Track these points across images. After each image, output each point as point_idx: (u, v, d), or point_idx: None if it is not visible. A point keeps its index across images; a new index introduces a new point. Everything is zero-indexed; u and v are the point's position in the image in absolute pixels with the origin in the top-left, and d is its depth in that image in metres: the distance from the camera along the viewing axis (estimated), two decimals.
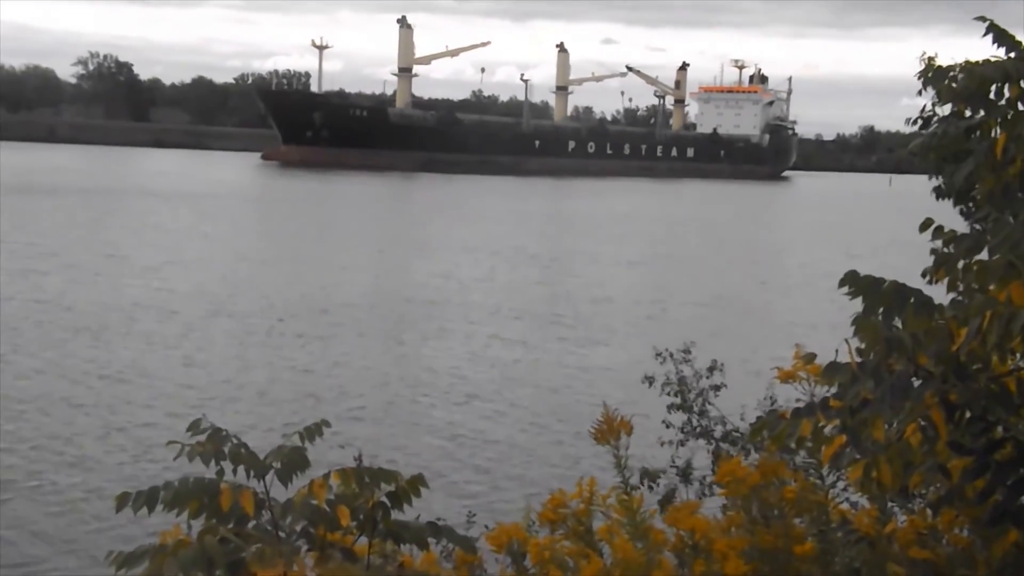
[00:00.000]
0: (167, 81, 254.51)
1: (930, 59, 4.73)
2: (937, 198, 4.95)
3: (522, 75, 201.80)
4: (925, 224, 4.62)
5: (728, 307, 44.93)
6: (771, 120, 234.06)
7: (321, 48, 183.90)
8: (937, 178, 4.86)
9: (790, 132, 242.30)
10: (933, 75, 4.61)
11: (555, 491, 4.61)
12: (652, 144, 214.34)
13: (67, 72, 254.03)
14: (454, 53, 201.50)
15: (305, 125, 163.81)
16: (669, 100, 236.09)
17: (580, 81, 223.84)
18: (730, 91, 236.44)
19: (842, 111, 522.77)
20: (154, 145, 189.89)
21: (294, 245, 60.03)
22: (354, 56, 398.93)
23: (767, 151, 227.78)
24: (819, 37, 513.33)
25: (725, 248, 71.50)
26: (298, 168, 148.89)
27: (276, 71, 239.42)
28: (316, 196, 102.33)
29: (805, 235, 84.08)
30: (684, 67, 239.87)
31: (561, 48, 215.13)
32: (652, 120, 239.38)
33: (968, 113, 4.73)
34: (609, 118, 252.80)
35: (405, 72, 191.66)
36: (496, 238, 69.44)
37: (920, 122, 4.77)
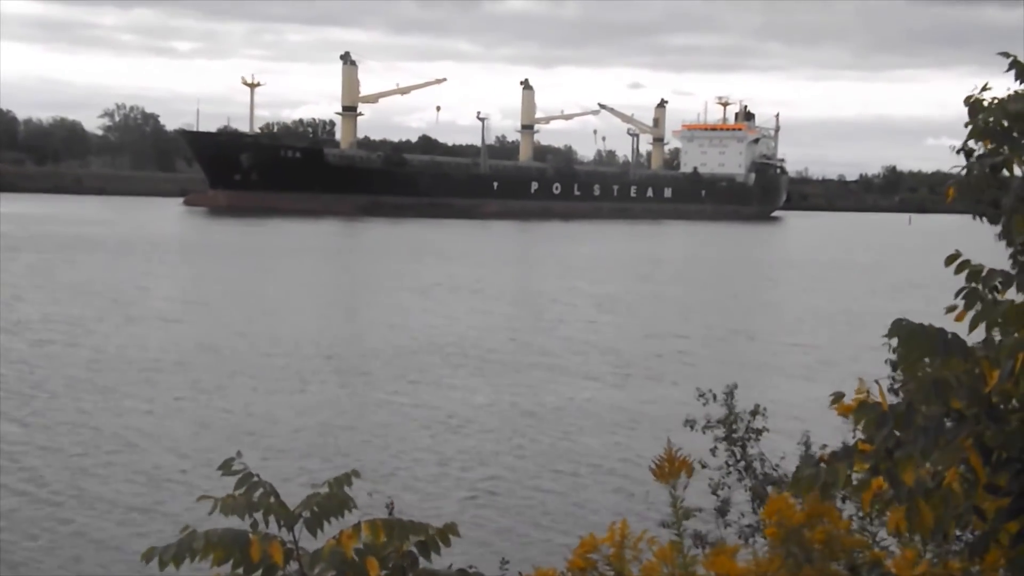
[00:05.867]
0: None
1: (983, 88, 4.95)
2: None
3: (478, 113, 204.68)
4: (951, 258, 4.93)
5: (747, 345, 48.44)
6: (757, 158, 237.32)
7: (252, 86, 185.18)
8: (979, 218, 5.15)
9: (777, 170, 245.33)
10: (971, 108, 4.91)
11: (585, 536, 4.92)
12: (625, 184, 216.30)
13: (94, 124, 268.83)
14: (404, 91, 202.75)
15: (232, 168, 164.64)
16: (648, 139, 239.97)
17: (547, 119, 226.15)
18: (713, 129, 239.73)
19: (865, 152, 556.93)
20: (180, 195, 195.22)
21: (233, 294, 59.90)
22: (380, 107, 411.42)
23: (752, 190, 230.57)
24: (843, 79, 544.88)
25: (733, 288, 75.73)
26: (225, 214, 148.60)
27: (301, 120, 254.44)
28: (233, 244, 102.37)
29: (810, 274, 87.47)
30: (663, 104, 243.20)
31: (526, 85, 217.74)
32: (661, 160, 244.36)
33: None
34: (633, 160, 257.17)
35: (349, 111, 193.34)
36: (479, 280, 73.35)
37: (963, 152, 5.07)
